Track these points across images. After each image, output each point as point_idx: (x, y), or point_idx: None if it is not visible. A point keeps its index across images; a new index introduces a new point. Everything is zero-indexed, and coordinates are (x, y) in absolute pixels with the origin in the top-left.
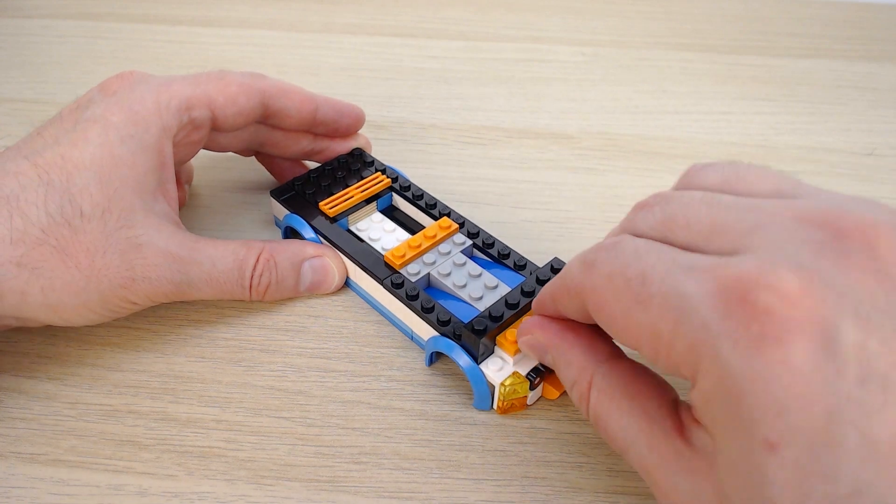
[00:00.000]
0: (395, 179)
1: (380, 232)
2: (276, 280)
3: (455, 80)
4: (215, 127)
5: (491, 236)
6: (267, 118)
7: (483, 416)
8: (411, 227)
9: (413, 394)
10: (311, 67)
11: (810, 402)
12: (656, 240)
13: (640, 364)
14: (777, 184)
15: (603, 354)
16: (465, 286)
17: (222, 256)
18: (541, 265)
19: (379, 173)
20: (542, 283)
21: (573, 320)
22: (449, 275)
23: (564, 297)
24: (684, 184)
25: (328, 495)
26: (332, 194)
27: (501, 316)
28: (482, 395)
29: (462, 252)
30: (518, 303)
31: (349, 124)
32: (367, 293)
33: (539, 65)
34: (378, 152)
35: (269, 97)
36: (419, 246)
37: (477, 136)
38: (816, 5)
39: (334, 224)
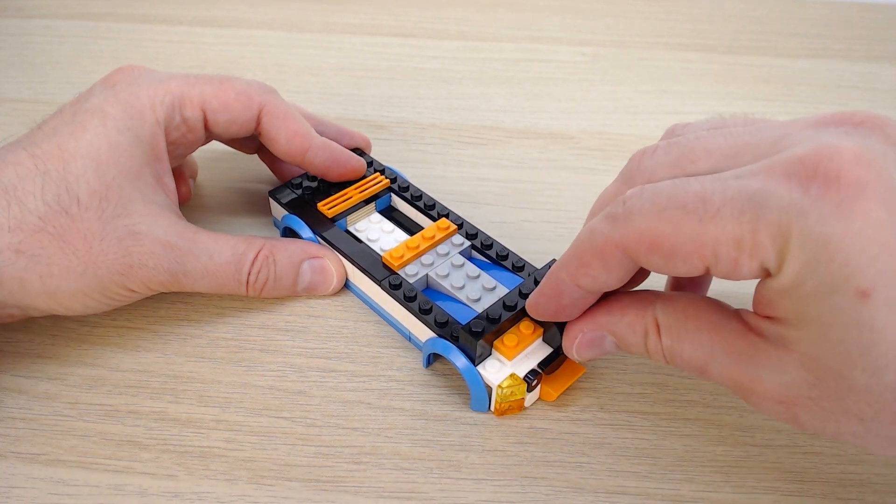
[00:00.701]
0: (393, 180)
1: (378, 233)
2: (274, 277)
3: (455, 80)
4: (209, 129)
5: (489, 237)
6: (259, 134)
7: (483, 417)
8: (410, 227)
9: (413, 394)
10: (311, 67)
11: (891, 249)
12: (675, 176)
13: (683, 293)
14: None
15: (648, 301)
16: (462, 287)
17: (221, 250)
18: (539, 266)
19: (378, 174)
20: None
21: (596, 300)
22: (447, 276)
23: (596, 260)
24: (668, 135)
25: (328, 495)
26: (331, 195)
27: (499, 318)
28: (479, 397)
29: (460, 253)
30: (516, 304)
31: (340, 174)
32: (365, 294)
33: (539, 65)
34: (378, 152)
35: (266, 114)
36: (417, 247)
37: (477, 136)
38: (816, 5)
39: (332, 225)
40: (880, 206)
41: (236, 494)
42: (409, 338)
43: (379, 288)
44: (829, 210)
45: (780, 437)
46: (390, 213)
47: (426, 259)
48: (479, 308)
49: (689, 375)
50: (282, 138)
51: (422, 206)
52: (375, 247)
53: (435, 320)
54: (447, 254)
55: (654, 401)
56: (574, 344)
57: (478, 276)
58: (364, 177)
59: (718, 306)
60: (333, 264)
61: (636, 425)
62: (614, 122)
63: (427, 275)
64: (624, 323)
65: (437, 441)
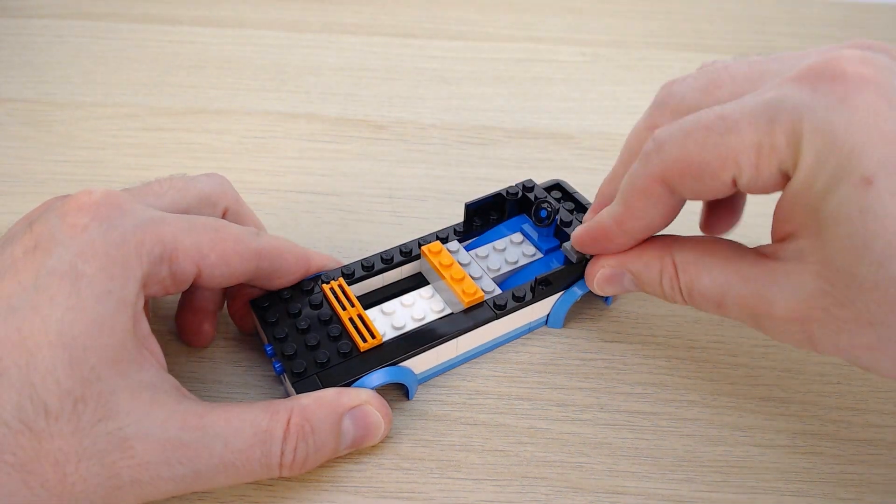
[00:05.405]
0: (348, 276)
1: (412, 309)
2: (314, 448)
3: (455, 80)
4: (197, 280)
5: (455, 226)
6: (257, 279)
7: (483, 417)
8: (416, 282)
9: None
10: (311, 67)
11: (893, 138)
12: (700, 102)
13: (701, 236)
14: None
15: (667, 243)
16: (516, 261)
17: (237, 431)
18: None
19: (331, 283)
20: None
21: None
22: (499, 266)
23: (638, 200)
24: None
25: (328, 495)
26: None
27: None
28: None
29: (465, 249)
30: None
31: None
32: (455, 358)
33: (539, 65)
34: (378, 152)
35: (264, 259)
36: (456, 275)
37: (477, 136)
38: (816, 5)
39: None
40: (881, 99)
41: (237, 494)
42: (529, 329)
43: (486, 325)
44: (834, 103)
45: (780, 437)
46: (384, 296)
47: (475, 271)
48: (534, 258)
49: (689, 375)
50: (285, 271)
51: (382, 266)
52: (426, 317)
53: (561, 277)
54: (460, 255)
55: (654, 401)
56: (595, 278)
57: (504, 249)
58: (319, 293)
59: (734, 243)
60: (376, 406)
61: (636, 425)
62: (614, 122)
63: (492, 278)
64: (642, 261)
65: (437, 441)
